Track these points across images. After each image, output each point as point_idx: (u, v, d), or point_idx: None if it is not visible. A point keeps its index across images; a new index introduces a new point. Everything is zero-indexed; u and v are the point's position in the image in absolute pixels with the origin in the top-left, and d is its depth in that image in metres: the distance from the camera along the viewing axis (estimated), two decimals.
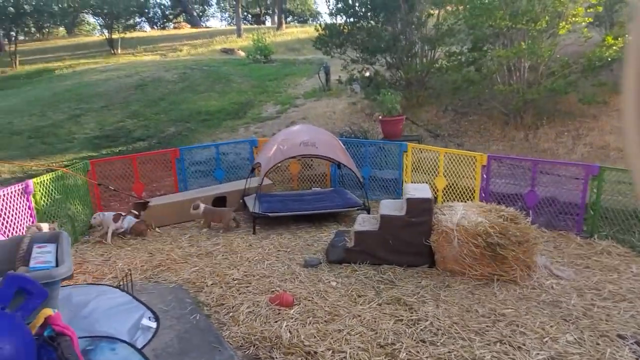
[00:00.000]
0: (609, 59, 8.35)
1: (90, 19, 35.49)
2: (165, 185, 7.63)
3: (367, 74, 11.59)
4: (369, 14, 11.26)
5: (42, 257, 1.95)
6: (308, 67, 17.09)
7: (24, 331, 1.41)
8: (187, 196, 6.76)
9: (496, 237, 4.39)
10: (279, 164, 7.84)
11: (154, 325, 2.02)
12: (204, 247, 5.55)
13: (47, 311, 1.54)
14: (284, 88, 14.73)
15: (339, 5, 11.35)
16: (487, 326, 3.68)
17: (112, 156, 9.26)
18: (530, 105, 9.30)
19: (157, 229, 6.16)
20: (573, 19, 8.52)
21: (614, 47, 8.23)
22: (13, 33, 26.31)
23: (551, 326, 3.66)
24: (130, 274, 4.30)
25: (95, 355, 1.63)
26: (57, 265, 1.87)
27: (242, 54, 21.95)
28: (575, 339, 3.49)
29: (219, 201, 6.87)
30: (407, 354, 3.35)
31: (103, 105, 14.22)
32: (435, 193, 6.57)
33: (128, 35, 28.18)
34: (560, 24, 8.56)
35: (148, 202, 6.36)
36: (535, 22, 8.41)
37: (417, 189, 4.95)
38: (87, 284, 4.04)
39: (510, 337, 3.52)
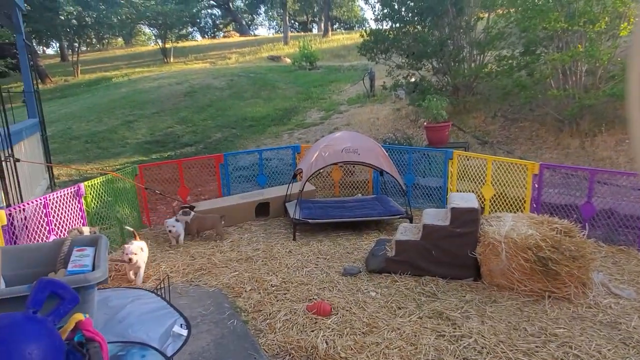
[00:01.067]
0: None
1: (146, 29, 37.15)
2: (210, 190, 7.77)
3: (413, 79, 11.37)
4: (415, 18, 11.06)
5: (80, 260, 1.99)
6: (353, 73, 17.03)
7: (54, 336, 1.41)
8: (230, 201, 6.85)
9: (548, 251, 4.13)
10: (321, 170, 7.83)
11: (185, 332, 2.02)
12: (244, 252, 5.58)
13: (78, 316, 1.54)
14: (328, 94, 14.74)
15: (385, 11, 11.23)
16: (536, 346, 3.44)
17: (161, 161, 9.57)
18: (588, 111, 8.78)
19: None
20: (636, 19, 7.98)
21: None
22: (76, 44, 28.02)
23: (609, 349, 3.38)
24: (169, 278, 4.37)
25: None
26: (93, 269, 1.90)
27: (288, 60, 22.22)
28: None
29: (262, 207, 6.92)
30: None
31: (154, 111, 14.77)
32: (482, 202, 6.30)
33: (180, 44, 29.29)
34: (622, 25, 8.05)
35: (193, 206, 6.48)
36: (594, 23, 7.95)
37: (462, 198, 4.75)
38: (125, 287, 4.14)
39: (562, 359, 3.27)
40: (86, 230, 4.29)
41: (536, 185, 5.77)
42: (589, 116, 8.86)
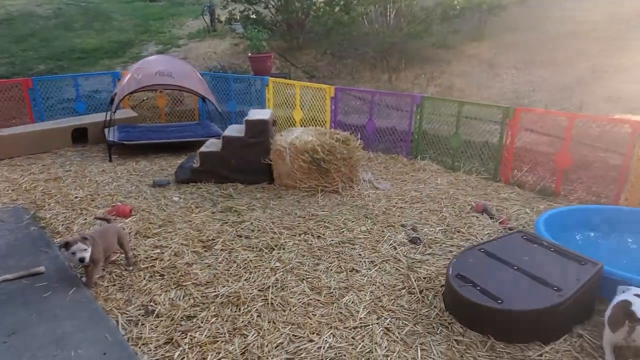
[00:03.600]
0: (459, 7, 9.27)
1: None
2: (26, 123, 7.33)
3: (250, 14, 11.62)
4: None
5: None
6: (197, 8, 16.50)
7: None
8: (42, 126, 6.62)
9: (322, 153, 5.00)
10: (145, 98, 7.90)
11: None
12: (54, 174, 5.59)
13: None
14: (168, 28, 14.24)
15: None
16: (298, 223, 4.30)
17: None
18: (395, 50, 10.07)
19: None
20: None
21: None
22: None
23: (352, 221, 4.38)
24: None
25: None
26: None
27: None
28: (367, 229, 4.24)
29: (81, 134, 6.82)
30: (222, 245, 3.87)
31: None
32: (293, 125, 7.09)
33: None
34: None
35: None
36: None
37: (258, 113, 5.39)
38: None
39: (314, 229, 4.18)
40: None
41: (333, 107, 6.69)
42: (396, 54, 10.18)
